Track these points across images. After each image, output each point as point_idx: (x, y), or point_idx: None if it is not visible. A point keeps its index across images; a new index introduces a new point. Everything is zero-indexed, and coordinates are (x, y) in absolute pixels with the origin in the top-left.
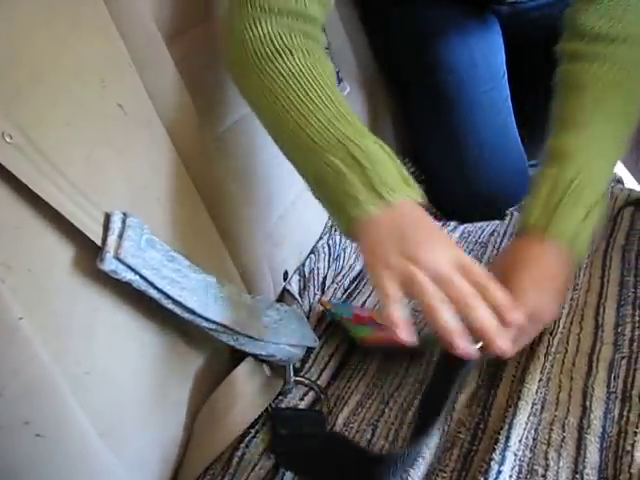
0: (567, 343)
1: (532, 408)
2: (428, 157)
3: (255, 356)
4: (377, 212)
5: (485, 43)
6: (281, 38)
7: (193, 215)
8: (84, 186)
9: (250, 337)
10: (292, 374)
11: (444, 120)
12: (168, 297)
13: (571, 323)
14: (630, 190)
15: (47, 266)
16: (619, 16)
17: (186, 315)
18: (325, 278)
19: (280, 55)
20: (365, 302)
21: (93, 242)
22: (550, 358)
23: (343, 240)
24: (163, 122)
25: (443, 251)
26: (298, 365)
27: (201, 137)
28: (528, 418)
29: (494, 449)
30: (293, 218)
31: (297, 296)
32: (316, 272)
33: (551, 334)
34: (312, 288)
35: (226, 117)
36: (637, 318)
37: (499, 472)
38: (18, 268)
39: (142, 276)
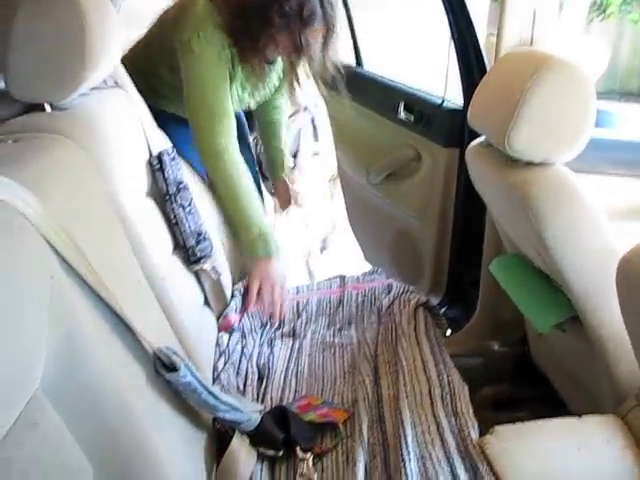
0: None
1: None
2: None
3: (237, 425)
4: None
5: None
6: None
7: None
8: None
9: (238, 410)
10: None
11: None
12: (205, 389)
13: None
14: (416, 296)
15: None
16: None
17: (211, 401)
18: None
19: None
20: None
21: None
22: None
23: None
24: None
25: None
26: None
27: None
28: None
29: None
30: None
31: None
32: None
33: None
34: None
35: None
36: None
37: None
38: None
39: (196, 378)
